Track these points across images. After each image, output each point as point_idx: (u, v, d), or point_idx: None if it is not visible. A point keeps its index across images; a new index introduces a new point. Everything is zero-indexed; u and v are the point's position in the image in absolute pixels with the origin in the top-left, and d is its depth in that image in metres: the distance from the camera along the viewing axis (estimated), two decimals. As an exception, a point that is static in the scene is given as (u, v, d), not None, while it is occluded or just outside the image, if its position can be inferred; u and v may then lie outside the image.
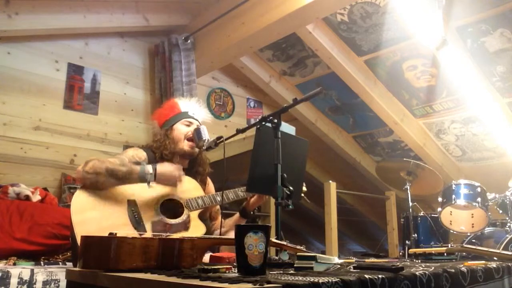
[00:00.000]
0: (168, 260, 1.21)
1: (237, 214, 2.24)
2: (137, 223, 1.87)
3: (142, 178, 1.88)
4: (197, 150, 2.19)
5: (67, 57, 3.61)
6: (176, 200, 2.01)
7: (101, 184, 1.85)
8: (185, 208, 2.00)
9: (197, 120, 2.28)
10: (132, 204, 1.90)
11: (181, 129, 2.20)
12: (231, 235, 2.07)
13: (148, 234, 1.81)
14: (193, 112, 2.30)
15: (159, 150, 2.14)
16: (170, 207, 2.00)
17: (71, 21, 3.41)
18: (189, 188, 2.07)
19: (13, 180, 3.04)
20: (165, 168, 1.94)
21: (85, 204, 1.83)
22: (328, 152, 5.04)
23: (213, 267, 1.13)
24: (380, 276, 1.08)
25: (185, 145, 2.17)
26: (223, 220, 2.24)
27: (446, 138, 4.34)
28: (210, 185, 2.36)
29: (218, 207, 2.25)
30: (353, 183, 5.24)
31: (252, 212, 2.23)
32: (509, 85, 3.54)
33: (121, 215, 1.86)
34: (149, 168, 1.90)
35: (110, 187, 1.88)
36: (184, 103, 2.34)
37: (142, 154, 2.09)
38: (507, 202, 3.00)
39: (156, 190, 2.00)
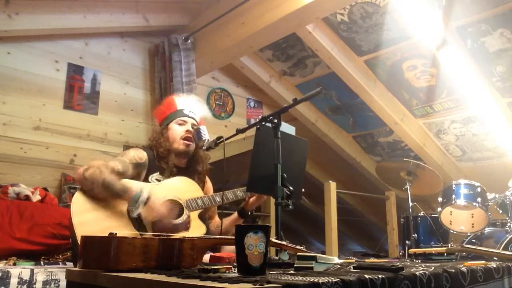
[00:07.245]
0: (168, 260, 1.21)
1: (235, 214, 2.24)
2: (138, 224, 1.88)
3: (133, 202, 1.87)
4: (192, 149, 2.18)
5: (67, 57, 3.61)
6: (176, 201, 2.02)
7: (95, 193, 1.86)
8: (185, 208, 2.01)
9: (192, 118, 2.26)
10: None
11: (175, 129, 2.20)
12: (228, 235, 2.09)
13: (149, 234, 1.81)
14: (190, 109, 2.28)
15: (156, 148, 2.15)
16: (171, 207, 2.00)
17: (71, 21, 3.40)
18: (188, 189, 2.08)
19: (13, 180, 3.04)
20: (155, 204, 1.89)
21: (85, 205, 1.84)
22: (328, 152, 5.03)
23: (213, 267, 1.13)
24: (380, 276, 1.08)
25: (181, 145, 2.16)
26: (219, 219, 2.25)
27: (446, 138, 4.34)
28: (208, 183, 2.35)
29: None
30: (353, 183, 5.24)
31: (250, 213, 2.23)
32: (509, 85, 3.54)
33: (121, 216, 1.86)
34: (144, 197, 1.86)
35: (103, 197, 1.87)
36: (181, 100, 2.32)
37: (142, 155, 2.10)
38: (507, 202, 2.99)
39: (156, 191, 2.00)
